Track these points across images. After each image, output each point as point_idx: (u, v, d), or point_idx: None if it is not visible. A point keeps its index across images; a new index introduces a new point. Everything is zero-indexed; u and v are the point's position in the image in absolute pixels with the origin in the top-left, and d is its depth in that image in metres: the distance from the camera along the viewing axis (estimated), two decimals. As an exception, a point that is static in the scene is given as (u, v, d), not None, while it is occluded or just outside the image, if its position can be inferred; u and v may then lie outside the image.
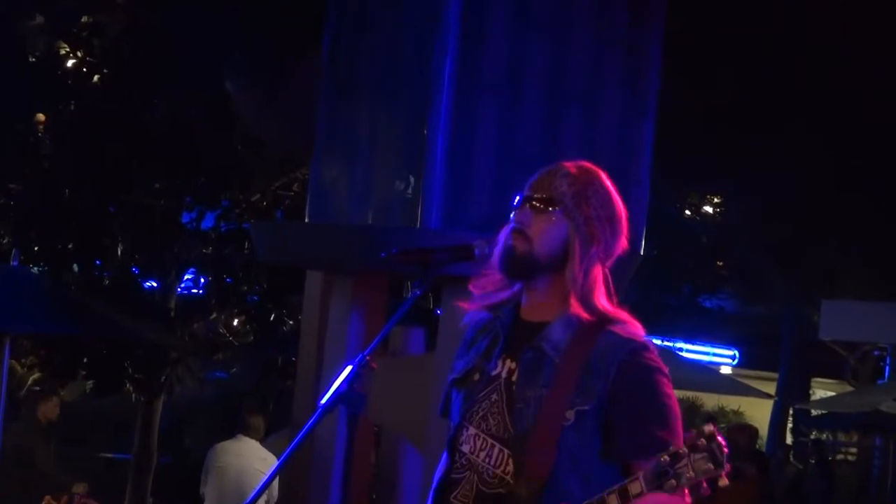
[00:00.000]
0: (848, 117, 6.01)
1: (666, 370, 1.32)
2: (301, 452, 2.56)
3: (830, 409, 7.34)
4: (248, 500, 1.43)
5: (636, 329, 1.32)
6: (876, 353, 8.56)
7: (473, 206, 2.66)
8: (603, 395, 1.28)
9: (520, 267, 1.34)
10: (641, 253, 2.78)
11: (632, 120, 2.81)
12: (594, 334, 1.30)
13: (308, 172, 3.55)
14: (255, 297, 5.78)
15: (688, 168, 6.30)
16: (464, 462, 1.34)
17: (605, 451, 1.28)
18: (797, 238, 7.17)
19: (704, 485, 1.14)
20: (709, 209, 8.36)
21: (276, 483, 3.31)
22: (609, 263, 1.35)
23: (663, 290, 8.53)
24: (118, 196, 5.16)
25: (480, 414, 1.34)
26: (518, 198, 1.38)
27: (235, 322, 6.03)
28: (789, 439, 9.07)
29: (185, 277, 5.87)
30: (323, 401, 1.27)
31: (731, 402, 10.00)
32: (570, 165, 1.38)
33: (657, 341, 7.88)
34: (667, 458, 1.15)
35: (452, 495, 1.34)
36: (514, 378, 1.33)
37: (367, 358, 1.29)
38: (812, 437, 8.36)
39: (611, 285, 1.35)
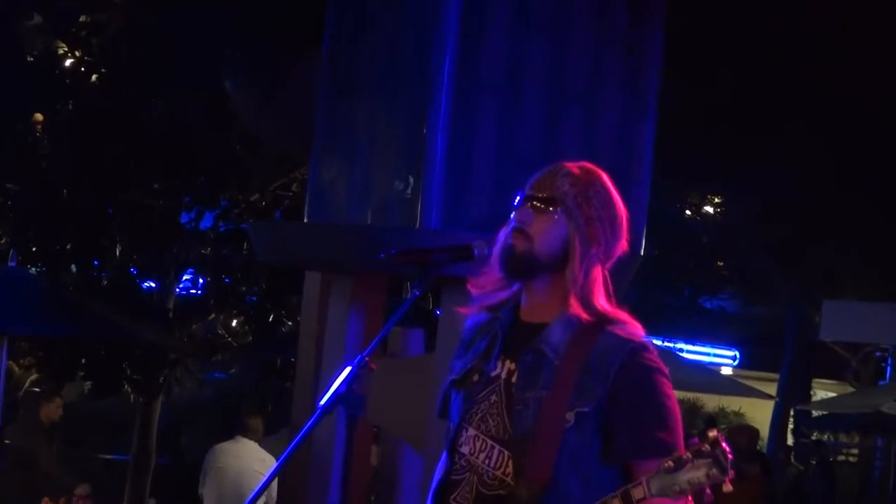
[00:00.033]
0: (848, 117, 6.01)
1: (666, 370, 1.32)
2: (300, 453, 2.55)
3: (831, 410, 7.34)
4: (247, 502, 1.42)
5: (636, 329, 1.32)
6: (877, 353, 8.56)
7: (473, 207, 2.65)
8: (603, 396, 1.28)
9: (520, 266, 1.33)
10: (642, 253, 2.78)
11: (632, 120, 2.80)
12: (594, 335, 1.30)
13: (307, 172, 3.54)
14: (254, 298, 5.77)
15: (688, 168, 6.30)
16: (463, 463, 1.33)
17: (605, 452, 1.28)
18: (798, 238, 7.17)
19: (708, 491, 1.13)
20: (709, 209, 8.35)
21: (274, 484, 3.30)
22: (609, 265, 1.35)
23: (664, 291, 8.53)
24: (116, 196, 5.15)
25: (480, 415, 1.34)
26: (518, 197, 1.38)
27: (234, 323, 6.03)
28: (790, 440, 9.06)
29: (184, 278, 5.86)
30: (322, 402, 1.27)
31: (732, 403, 10.00)
32: (572, 166, 1.38)
33: (657, 342, 7.89)
34: (670, 463, 1.14)
35: (452, 497, 1.33)
36: (513, 379, 1.33)
37: (366, 359, 1.28)
38: (813, 438, 8.35)
39: (610, 286, 1.35)
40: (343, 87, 2.89)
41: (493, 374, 1.34)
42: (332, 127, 2.92)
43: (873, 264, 7.23)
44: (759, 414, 9.13)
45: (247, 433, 3.94)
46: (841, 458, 9.52)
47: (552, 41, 2.68)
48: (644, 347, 1.30)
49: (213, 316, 5.82)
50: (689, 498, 1.15)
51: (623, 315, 1.32)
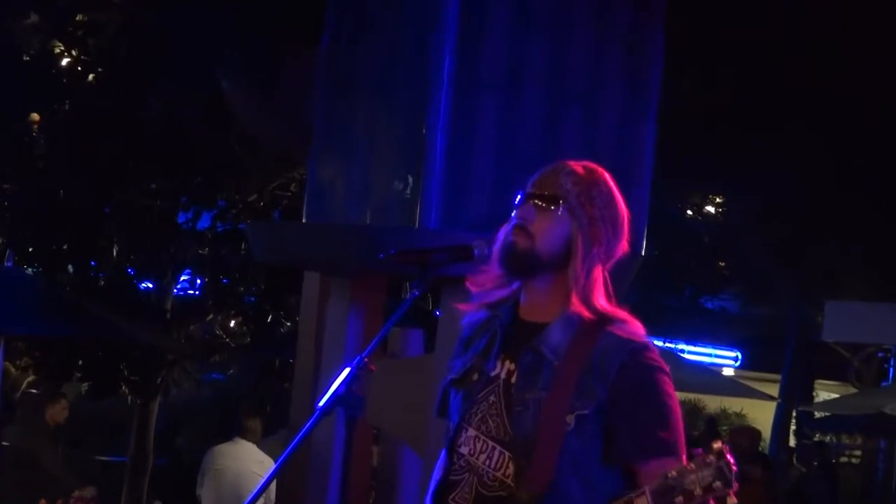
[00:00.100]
0: (848, 117, 6.01)
1: (667, 369, 1.31)
2: (299, 455, 2.54)
3: (834, 411, 7.32)
4: (245, 503, 1.40)
5: (636, 329, 1.31)
6: (880, 354, 8.52)
7: (473, 207, 2.64)
8: (603, 397, 1.28)
9: (521, 264, 1.32)
10: (642, 253, 2.77)
11: (632, 120, 2.80)
12: (594, 335, 1.29)
13: (305, 172, 3.53)
14: (252, 299, 5.76)
15: (688, 168, 6.30)
16: (462, 464, 1.33)
17: (606, 453, 1.27)
18: (798, 238, 7.16)
19: (712, 502, 1.12)
20: (710, 209, 8.33)
21: (273, 486, 3.28)
22: (609, 265, 1.34)
23: (665, 291, 8.50)
24: (113, 196, 5.13)
25: (479, 415, 1.33)
26: (520, 195, 1.36)
27: (232, 323, 6.01)
28: (792, 442, 9.01)
29: (182, 278, 5.84)
30: (321, 403, 1.26)
31: (734, 404, 9.97)
32: (575, 164, 1.37)
33: (658, 343, 7.86)
34: (674, 473, 1.13)
35: (451, 497, 1.32)
36: (512, 380, 1.32)
37: (366, 360, 1.27)
38: (815, 439, 8.32)
39: (610, 287, 1.34)
40: (342, 87, 2.88)
41: (493, 373, 1.33)
42: (330, 126, 2.91)
43: (873, 264, 7.23)
44: (761, 415, 9.10)
45: (245, 435, 3.93)
46: (843, 459, 9.45)
47: (552, 41, 2.67)
48: (645, 347, 1.30)
49: (210, 316, 5.80)
50: None
51: (623, 314, 1.32)
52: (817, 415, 8.30)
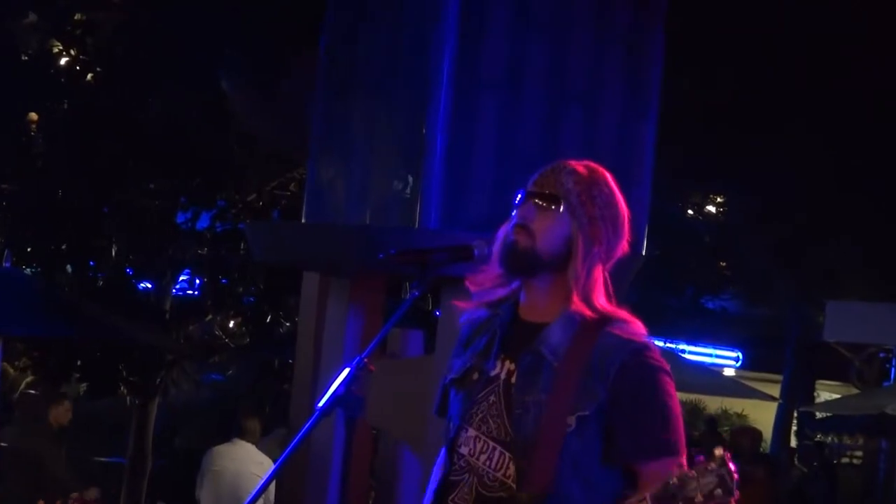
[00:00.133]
0: (848, 117, 6.01)
1: (668, 368, 1.30)
2: (298, 456, 2.53)
3: (835, 411, 7.30)
4: (244, 504, 1.39)
5: (637, 328, 1.31)
6: (882, 354, 8.50)
7: (473, 207, 2.63)
8: (604, 398, 1.27)
9: (521, 263, 1.32)
10: (643, 253, 2.76)
11: (633, 120, 2.79)
12: (594, 334, 1.29)
13: (305, 172, 3.52)
14: (252, 299, 5.75)
15: (688, 168, 6.30)
16: (462, 464, 1.32)
17: (607, 454, 1.27)
18: (799, 238, 7.16)
19: None
20: (711, 209, 8.32)
21: (272, 487, 3.28)
22: (609, 265, 1.34)
23: (665, 291, 8.49)
24: (112, 196, 5.12)
25: (480, 416, 1.32)
26: (520, 194, 1.36)
27: (231, 324, 6.01)
28: (793, 442, 8.96)
29: (181, 279, 5.83)
30: (320, 403, 1.25)
31: (735, 405, 9.97)
32: (576, 164, 1.36)
33: (659, 343, 7.81)
34: (675, 480, 1.12)
35: (450, 497, 1.32)
36: (512, 380, 1.32)
37: (365, 360, 1.27)
38: (816, 440, 8.30)
39: (610, 287, 1.33)
40: (341, 87, 2.87)
41: (493, 373, 1.33)
42: (330, 126, 2.90)
43: (874, 264, 7.22)
44: (762, 416, 9.09)
45: (244, 435, 3.92)
46: (845, 460, 9.44)
47: (552, 41, 2.67)
48: (646, 347, 1.29)
49: (209, 317, 5.79)
50: None
51: (624, 314, 1.31)
52: (818, 415, 8.27)
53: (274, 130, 4.49)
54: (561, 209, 1.31)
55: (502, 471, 1.28)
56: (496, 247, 1.34)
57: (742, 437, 4.58)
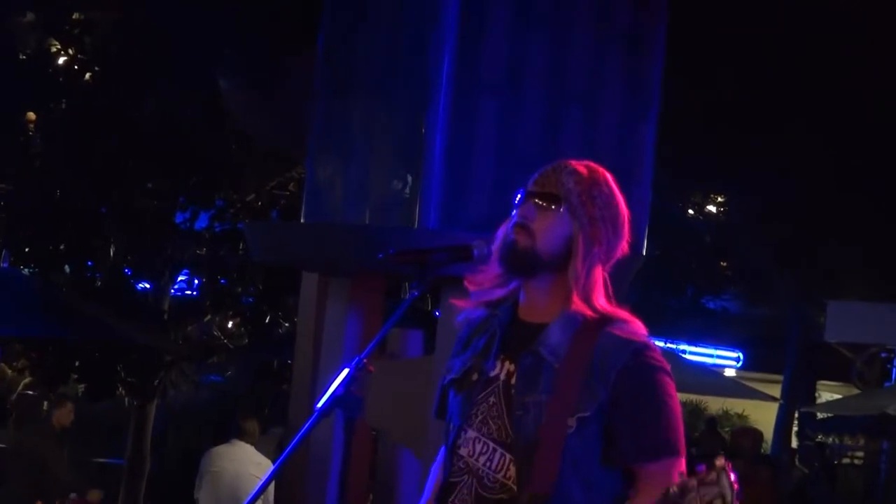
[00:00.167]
0: (848, 117, 6.00)
1: (668, 369, 1.29)
2: (298, 456, 2.52)
3: (836, 412, 7.28)
4: (244, 505, 1.38)
5: (637, 328, 1.30)
6: (883, 354, 8.47)
7: (472, 206, 2.63)
8: (604, 398, 1.26)
9: (521, 262, 1.31)
10: (643, 253, 2.75)
11: (633, 120, 2.79)
12: (594, 335, 1.28)
13: (303, 171, 3.51)
14: (250, 299, 5.73)
15: (688, 168, 6.29)
16: (461, 465, 1.31)
17: (607, 454, 1.26)
18: (799, 238, 7.15)
19: None
20: (712, 209, 8.30)
21: (271, 488, 3.26)
22: (608, 266, 1.33)
23: (666, 292, 8.47)
24: (111, 196, 5.10)
25: (480, 417, 1.31)
26: (520, 194, 1.35)
27: (230, 324, 5.99)
28: (794, 443, 8.92)
29: (179, 279, 5.81)
30: (319, 404, 1.24)
31: (736, 406, 9.91)
32: (576, 163, 1.35)
33: (660, 343, 7.78)
34: (675, 489, 1.11)
35: (450, 499, 1.31)
36: (512, 381, 1.31)
37: (365, 360, 1.26)
38: (816, 440, 8.28)
39: (609, 288, 1.32)
40: (340, 86, 2.86)
41: (493, 374, 1.32)
42: (329, 126, 2.89)
43: (874, 264, 7.21)
44: (763, 416, 9.05)
45: (243, 436, 3.91)
46: (846, 461, 9.37)
47: (552, 41, 2.66)
48: (646, 347, 1.29)
49: (208, 317, 5.78)
50: None
51: (624, 314, 1.30)
52: (820, 416, 8.24)
53: (271, 129, 4.47)
54: (561, 209, 1.31)
55: (502, 472, 1.27)
56: (495, 246, 1.33)
57: (743, 438, 4.57)
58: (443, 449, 1.37)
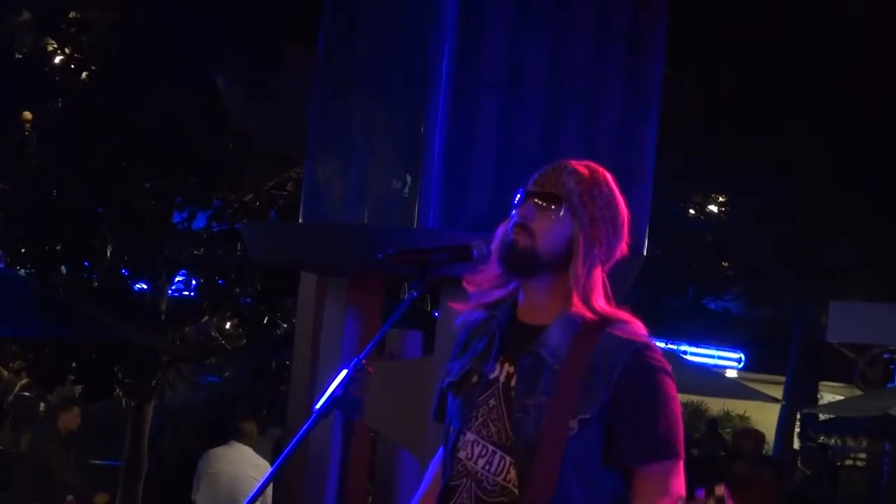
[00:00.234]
0: (848, 117, 6.00)
1: (669, 369, 1.29)
2: (296, 458, 2.50)
3: (839, 413, 7.26)
4: (242, 506, 1.37)
5: (638, 329, 1.29)
6: (885, 355, 8.45)
7: (472, 206, 2.62)
8: (605, 399, 1.26)
9: (521, 263, 1.30)
10: (644, 253, 2.74)
11: (633, 120, 2.78)
12: (594, 336, 1.27)
13: (302, 171, 3.50)
14: (248, 300, 5.71)
15: (688, 168, 6.29)
16: (460, 468, 1.31)
17: (608, 455, 1.26)
18: (801, 238, 7.15)
19: None
20: (713, 208, 8.29)
21: (269, 490, 3.25)
22: (608, 267, 1.32)
23: (667, 292, 8.45)
24: (107, 196, 5.08)
25: (480, 420, 1.30)
26: (520, 194, 1.34)
27: (228, 325, 5.97)
28: (796, 444, 8.85)
29: (176, 279, 5.79)
30: (318, 405, 1.22)
31: (737, 407, 9.90)
32: (576, 163, 1.34)
33: (661, 344, 7.74)
34: None
35: (449, 503, 1.30)
36: (512, 383, 1.30)
37: (363, 361, 1.24)
38: (818, 441, 8.26)
39: (608, 288, 1.32)
40: (340, 85, 2.85)
41: (492, 376, 1.31)
42: (328, 125, 2.88)
43: (874, 264, 7.21)
44: (765, 417, 9.04)
45: (241, 438, 3.89)
46: (848, 462, 9.31)
47: (552, 41, 2.66)
48: (647, 347, 1.28)
49: (206, 318, 5.76)
50: None
51: (624, 315, 1.30)
52: (822, 417, 8.22)
53: (270, 129, 4.46)
54: (562, 209, 1.30)
55: (502, 475, 1.26)
56: (495, 246, 1.32)
57: (744, 439, 4.56)
58: (441, 450, 1.36)
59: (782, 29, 5.70)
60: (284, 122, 3.93)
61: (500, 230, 1.32)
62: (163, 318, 5.44)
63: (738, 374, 10.92)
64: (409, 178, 2.65)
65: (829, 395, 10.24)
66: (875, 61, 5.63)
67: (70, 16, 5.02)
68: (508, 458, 1.26)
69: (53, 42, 5.10)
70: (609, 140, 2.74)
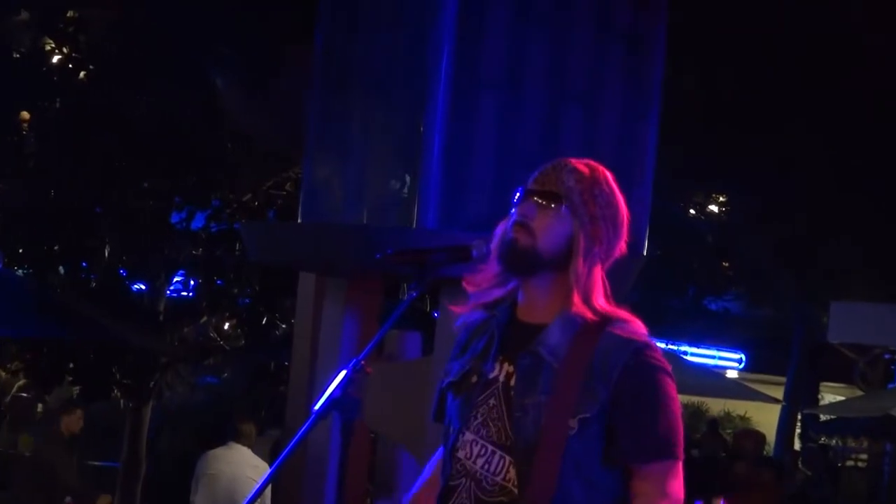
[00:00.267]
0: (848, 117, 6.00)
1: (669, 368, 1.28)
2: (295, 459, 2.49)
3: (839, 414, 7.25)
4: (241, 507, 1.36)
5: (637, 328, 1.29)
6: (887, 356, 8.43)
7: (471, 206, 2.61)
8: (605, 399, 1.25)
9: (522, 261, 1.29)
10: (644, 253, 2.73)
11: (633, 119, 2.78)
12: (595, 335, 1.27)
13: (301, 171, 3.49)
14: (247, 300, 5.70)
15: (688, 168, 6.28)
16: (459, 468, 1.30)
17: (608, 454, 1.25)
18: (801, 239, 7.14)
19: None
20: (714, 209, 8.27)
21: (268, 491, 3.23)
22: (607, 265, 1.32)
23: (667, 292, 8.43)
24: (105, 196, 5.07)
25: (479, 419, 1.30)
26: (519, 192, 1.33)
27: (226, 326, 5.96)
28: (797, 445, 8.84)
29: (175, 280, 5.78)
30: (317, 406, 1.21)
31: (738, 407, 9.89)
32: (576, 162, 1.33)
33: (661, 345, 7.64)
34: None
35: (449, 503, 1.29)
36: (511, 383, 1.29)
37: (362, 362, 1.23)
38: (819, 442, 8.25)
39: (608, 287, 1.31)
40: (338, 84, 2.84)
41: (492, 375, 1.31)
42: (326, 125, 2.87)
43: (874, 264, 7.21)
44: (766, 418, 9.02)
45: (239, 439, 3.88)
46: (849, 463, 9.29)
47: (552, 40, 2.65)
48: (647, 346, 1.27)
49: (204, 318, 5.74)
50: None
51: (624, 314, 1.29)
52: (822, 418, 8.23)
53: (270, 129, 4.45)
54: (562, 208, 1.29)
55: (501, 475, 1.26)
56: (494, 244, 1.31)
57: (745, 440, 4.55)
58: (441, 449, 1.35)
59: (782, 29, 5.70)
60: (284, 122, 3.92)
61: (500, 229, 1.31)
62: (161, 318, 5.43)
63: (738, 374, 10.91)
64: (408, 178, 2.64)
65: (830, 395, 10.23)
66: (875, 61, 5.63)
67: (68, 15, 5.00)
68: (508, 458, 1.25)
69: (51, 42, 5.09)
70: (609, 140, 2.73)
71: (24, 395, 5.10)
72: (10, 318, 3.89)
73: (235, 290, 5.59)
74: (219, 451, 3.89)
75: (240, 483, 3.75)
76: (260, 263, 4.28)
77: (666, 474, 1.23)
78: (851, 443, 9.07)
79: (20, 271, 5.17)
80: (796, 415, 8.88)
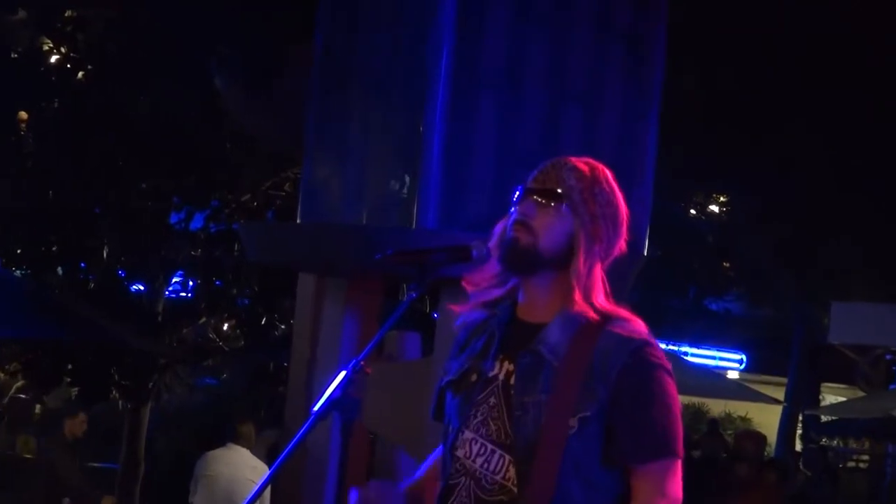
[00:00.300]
0: (848, 117, 6.00)
1: (669, 367, 1.27)
2: (294, 460, 2.48)
3: (841, 415, 7.23)
4: (240, 509, 1.35)
5: (638, 326, 1.28)
6: (888, 356, 8.41)
7: (471, 206, 2.60)
8: (605, 398, 1.24)
9: (522, 260, 1.28)
10: (645, 253, 2.73)
11: (634, 119, 2.77)
12: (595, 334, 1.26)
13: (300, 171, 3.48)
14: (246, 301, 5.69)
15: (688, 168, 6.28)
16: (458, 467, 1.29)
17: (607, 454, 1.24)
18: (801, 239, 7.13)
19: None
20: (714, 209, 8.26)
21: (267, 492, 3.22)
22: (606, 264, 1.31)
23: (668, 292, 8.42)
24: (104, 196, 5.06)
25: (479, 418, 1.29)
26: (519, 191, 1.32)
27: (225, 326, 5.95)
28: (798, 446, 8.78)
29: (174, 280, 5.76)
30: (316, 407, 1.20)
31: (739, 408, 9.88)
32: (576, 160, 1.32)
33: (662, 345, 7.61)
34: None
35: (448, 502, 1.28)
36: (511, 381, 1.28)
37: (362, 363, 1.22)
38: (820, 443, 8.22)
39: (608, 286, 1.30)
40: (338, 84, 2.84)
41: (491, 374, 1.30)
42: (326, 125, 2.86)
43: (874, 264, 7.20)
44: (767, 419, 9.00)
45: (238, 440, 3.86)
46: (851, 464, 9.27)
47: (552, 40, 2.65)
48: (647, 344, 1.26)
49: (203, 319, 5.73)
50: None
51: (625, 313, 1.28)
52: (824, 419, 8.24)
53: (269, 129, 4.44)
54: (562, 206, 1.29)
55: (501, 473, 1.25)
56: (494, 244, 1.30)
57: (746, 442, 4.54)
58: (440, 448, 1.34)
59: (782, 29, 5.70)
60: (287, 123, 3.91)
61: (499, 228, 1.31)
62: (160, 319, 5.42)
63: (739, 375, 10.88)
64: (407, 178, 2.63)
65: (831, 396, 10.20)
66: (875, 61, 5.63)
67: (66, 14, 4.99)
68: (507, 457, 1.25)
69: (49, 41, 5.08)
70: (609, 140, 2.72)
71: (23, 396, 5.09)
72: (9, 319, 3.88)
73: (234, 291, 5.58)
74: (218, 453, 3.88)
75: (238, 484, 3.74)
76: (259, 264, 4.27)
77: (665, 473, 1.22)
78: (853, 444, 9.04)
79: (18, 272, 5.15)
80: (797, 416, 8.86)
